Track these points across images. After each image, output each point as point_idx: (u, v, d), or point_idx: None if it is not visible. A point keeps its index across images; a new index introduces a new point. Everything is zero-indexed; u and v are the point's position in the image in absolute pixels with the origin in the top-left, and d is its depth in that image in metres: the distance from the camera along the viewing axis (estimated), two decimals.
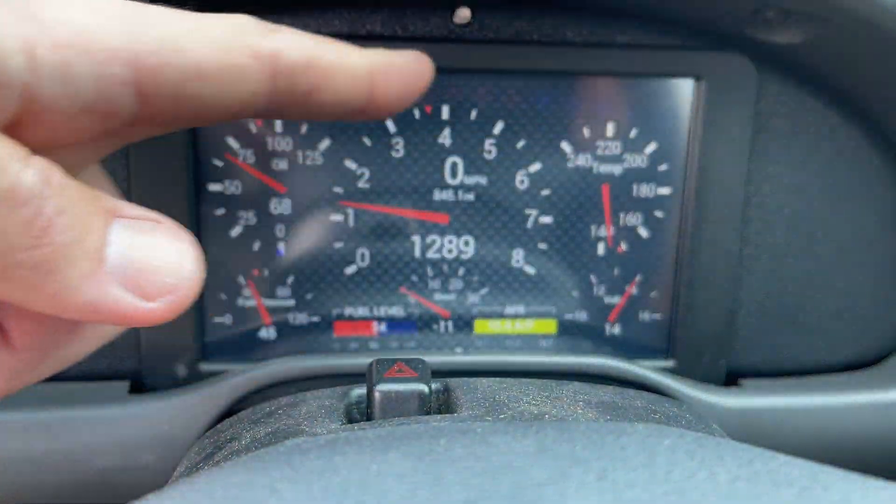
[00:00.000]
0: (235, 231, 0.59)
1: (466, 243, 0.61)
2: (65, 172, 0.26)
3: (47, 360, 0.32)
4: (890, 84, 0.56)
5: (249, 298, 0.60)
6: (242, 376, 0.56)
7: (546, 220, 0.61)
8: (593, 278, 0.62)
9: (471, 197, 0.60)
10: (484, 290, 0.62)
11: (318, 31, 0.56)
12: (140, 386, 0.59)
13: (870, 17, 0.49)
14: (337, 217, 0.59)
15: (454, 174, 0.59)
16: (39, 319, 0.30)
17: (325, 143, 0.58)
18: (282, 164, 0.58)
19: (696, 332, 0.62)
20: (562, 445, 0.30)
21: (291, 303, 0.61)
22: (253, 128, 0.57)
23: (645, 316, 0.63)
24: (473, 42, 0.57)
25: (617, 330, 0.64)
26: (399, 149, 0.58)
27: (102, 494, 0.54)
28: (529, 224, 0.61)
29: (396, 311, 0.62)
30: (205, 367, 0.59)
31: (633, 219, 0.61)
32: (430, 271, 0.61)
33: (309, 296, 0.61)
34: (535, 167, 0.59)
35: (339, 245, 0.60)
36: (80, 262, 0.26)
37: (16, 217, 0.24)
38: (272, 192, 0.58)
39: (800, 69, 0.59)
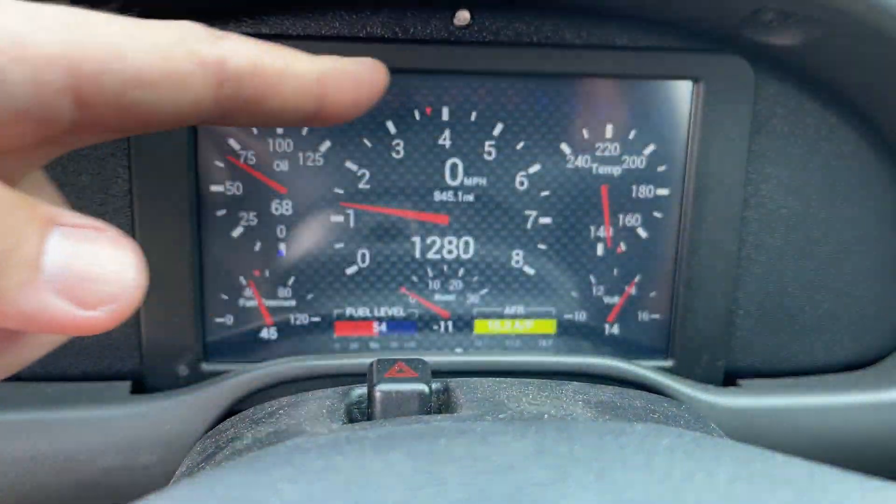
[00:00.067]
0: (236, 232, 0.59)
1: (466, 244, 0.61)
2: None
3: None
4: (888, 85, 0.56)
5: (250, 299, 0.60)
6: (244, 376, 0.56)
7: (545, 220, 0.61)
8: (592, 279, 0.63)
9: (471, 198, 0.60)
10: (484, 291, 0.62)
11: (318, 33, 0.56)
12: (141, 386, 0.60)
13: (867, 18, 0.49)
14: (337, 218, 0.59)
15: (454, 175, 0.59)
16: None
17: (325, 145, 0.58)
18: (282, 166, 0.58)
19: (694, 332, 0.63)
20: (561, 445, 0.30)
21: (292, 303, 0.61)
22: (254, 129, 0.57)
23: (644, 316, 0.64)
24: (473, 44, 0.57)
25: (616, 330, 0.64)
26: (399, 150, 0.58)
27: (104, 495, 0.54)
28: (529, 225, 0.61)
29: (397, 311, 0.62)
30: (206, 367, 0.60)
31: (632, 219, 0.61)
32: (430, 272, 0.61)
33: (310, 296, 0.61)
34: (535, 168, 0.60)
35: (339, 246, 0.60)
36: (16, 271, 0.25)
37: None
38: (273, 193, 0.58)
39: (797, 71, 0.59)
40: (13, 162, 0.29)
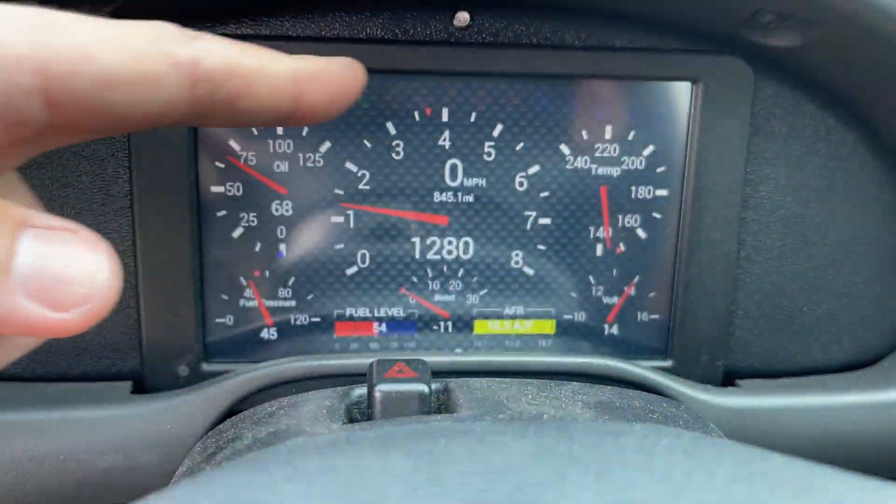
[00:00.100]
0: (237, 232, 0.59)
1: (466, 244, 0.61)
2: None
3: None
4: (885, 86, 0.57)
5: (251, 299, 0.60)
6: (244, 376, 0.56)
7: (545, 221, 0.61)
8: (592, 279, 0.63)
9: (470, 198, 0.60)
10: (483, 291, 0.62)
11: (318, 34, 0.56)
12: (142, 386, 0.60)
13: (865, 19, 0.50)
14: (337, 218, 0.60)
15: (454, 176, 0.59)
16: None
17: (325, 146, 0.58)
18: (283, 166, 0.58)
19: (693, 332, 0.63)
20: (560, 445, 0.30)
21: (292, 303, 0.61)
22: (254, 130, 0.57)
23: (643, 316, 0.64)
24: (473, 45, 0.57)
25: (615, 330, 0.64)
26: (399, 151, 0.59)
27: (105, 494, 0.54)
28: (528, 225, 0.61)
29: (397, 311, 0.62)
30: (206, 367, 0.60)
31: (631, 220, 0.61)
32: (429, 272, 0.62)
33: (310, 296, 0.61)
34: (534, 169, 0.60)
35: (339, 246, 0.60)
36: None
37: None
38: (273, 194, 0.58)
39: (796, 72, 0.59)
40: None
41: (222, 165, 0.58)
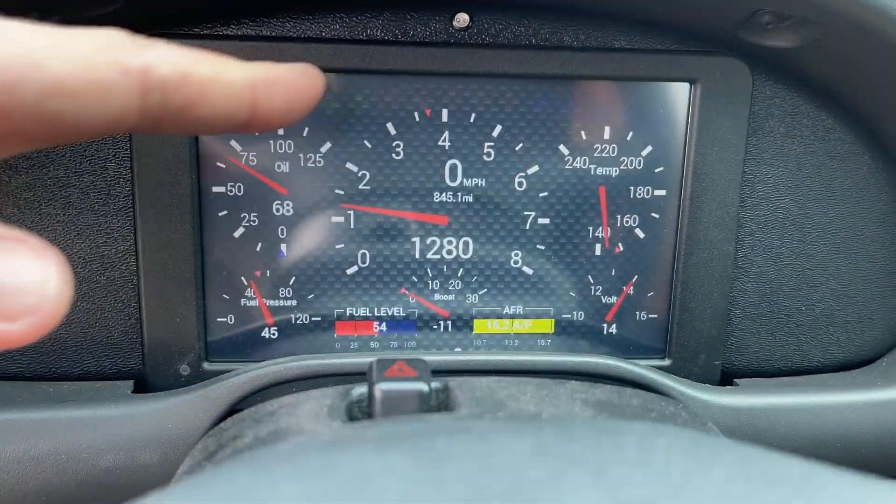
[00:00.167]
0: (238, 232, 0.59)
1: (466, 244, 0.61)
2: None
3: None
4: (883, 86, 0.57)
5: (252, 298, 0.61)
6: (245, 375, 0.57)
7: (544, 221, 0.61)
8: (591, 279, 0.63)
9: (470, 199, 0.60)
10: (483, 291, 0.63)
11: (319, 35, 0.57)
12: (143, 385, 0.60)
13: (863, 20, 0.50)
14: (338, 218, 0.60)
15: (453, 176, 0.60)
16: None
17: (326, 146, 0.58)
18: (283, 167, 0.58)
19: (691, 331, 0.63)
20: (559, 444, 0.30)
21: (293, 303, 0.61)
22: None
23: (642, 316, 0.64)
24: (472, 46, 0.57)
25: (614, 329, 0.64)
26: (399, 151, 0.59)
27: (106, 493, 0.54)
28: (528, 225, 0.61)
29: (397, 311, 0.62)
30: (208, 366, 0.60)
31: (629, 220, 0.62)
32: (429, 272, 0.62)
33: (310, 296, 0.61)
34: (533, 169, 0.60)
35: (340, 246, 0.60)
36: None
37: None
38: (274, 194, 0.59)
39: (794, 72, 0.59)
40: None
41: (223, 166, 0.58)
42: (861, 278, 0.65)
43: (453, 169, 0.60)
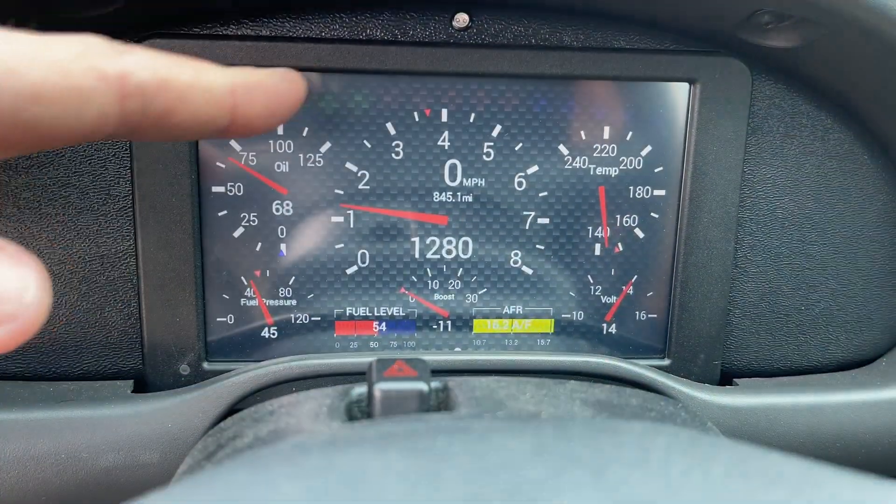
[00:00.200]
0: (238, 232, 0.59)
1: (465, 244, 0.61)
2: None
3: None
4: (882, 86, 0.57)
5: (251, 298, 0.61)
6: (245, 375, 0.57)
7: (543, 221, 0.61)
8: (590, 278, 0.63)
9: (469, 198, 0.60)
10: (482, 291, 0.63)
11: (319, 35, 0.57)
12: (143, 385, 0.60)
13: (862, 20, 0.50)
14: (338, 218, 0.60)
15: (453, 176, 0.60)
16: None
17: (326, 146, 0.58)
18: (283, 167, 0.58)
19: (691, 331, 0.63)
20: (558, 443, 0.30)
21: (293, 302, 0.61)
22: None
23: (641, 315, 0.64)
24: (472, 46, 0.57)
25: (613, 329, 0.64)
26: (399, 151, 0.59)
27: (106, 493, 0.54)
28: (527, 225, 0.61)
29: (396, 310, 0.62)
30: (207, 366, 0.60)
31: (629, 220, 0.62)
32: (429, 272, 0.62)
33: (310, 296, 0.61)
34: (533, 169, 0.60)
35: (339, 246, 0.60)
36: None
37: None
38: (274, 194, 0.59)
39: (793, 72, 0.60)
40: None
41: (223, 165, 0.58)
42: (860, 278, 0.65)
43: (453, 169, 0.60)
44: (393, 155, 0.59)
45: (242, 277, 0.60)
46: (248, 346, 0.62)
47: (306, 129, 0.58)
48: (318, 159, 0.58)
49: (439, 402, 0.48)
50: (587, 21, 0.58)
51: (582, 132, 0.60)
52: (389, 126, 0.58)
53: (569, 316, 0.64)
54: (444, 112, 0.58)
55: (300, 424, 0.45)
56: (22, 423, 0.53)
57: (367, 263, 0.61)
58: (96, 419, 0.54)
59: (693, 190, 0.60)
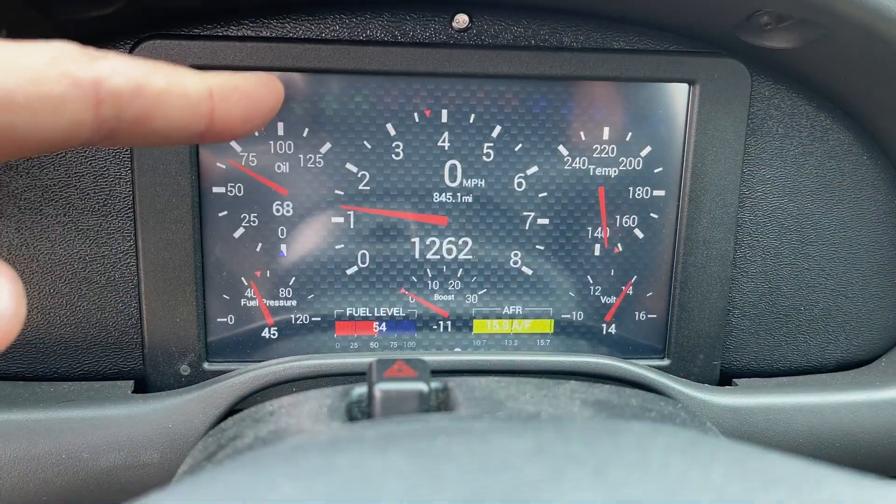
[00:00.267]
0: (238, 232, 0.59)
1: (465, 245, 0.61)
2: None
3: None
4: (881, 87, 0.57)
5: (252, 299, 0.61)
6: (245, 375, 0.57)
7: (543, 221, 0.61)
8: (590, 279, 0.63)
9: (469, 199, 0.60)
10: (482, 291, 0.63)
11: (319, 36, 0.57)
12: (144, 385, 0.60)
13: (861, 21, 0.50)
14: (338, 219, 0.60)
15: (453, 177, 0.60)
16: None
17: (326, 147, 0.58)
18: (283, 167, 0.58)
19: (690, 331, 0.63)
20: (558, 444, 0.30)
21: (293, 303, 0.61)
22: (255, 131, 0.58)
23: (641, 316, 0.64)
24: (472, 47, 0.57)
25: (613, 329, 0.64)
26: (399, 152, 0.59)
27: (107, 493, 0.54)
28: (527, 226, 0.61)
29: (396, 311, 0.63)
30: (208, 366, 0.60)
31: (628, 220, 0.62)
32: (429, 272, 0.62)
33: (310, 296, 0.61)
34: (533, 170, 0.60)
35: (339, 246, 0.60)
36: None
37: None
38: (274, 195, 0.59)
39: (792, 73, 0.60)
40: None
41: (223, 166, 0.58)
42: (859, 278, 0.65)
43: (453, 169, 0.60)
44: (393, 156, 0.59)
45: (243, 278, 0.60)
46: (248, 347, 0.62)
47: (306, 129, 0.58)
48: (318, 160, 0.58)
49: (439, 403, 0.48)
50: (587, 22, 0.58)
51: (581, 133, 0.60)
52: (389, 127, 0.58)
53: (568, 316, 0.64)
54: (444, 113, 0.58)
55: (300, 425, 0.45)
56: (23, 424, 0.53)
57: (367, 264, 0.61)
58: (97, 419, 0.54)
59: (692, 190, 0.60)
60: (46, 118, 0.29)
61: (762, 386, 0.63)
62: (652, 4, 0.55)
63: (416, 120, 0.58)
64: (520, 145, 0.60)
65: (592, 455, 0.29)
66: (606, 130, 0.60)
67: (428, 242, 0.61)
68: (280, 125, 0.57)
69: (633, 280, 0.63)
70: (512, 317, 0.64)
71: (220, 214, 0.59)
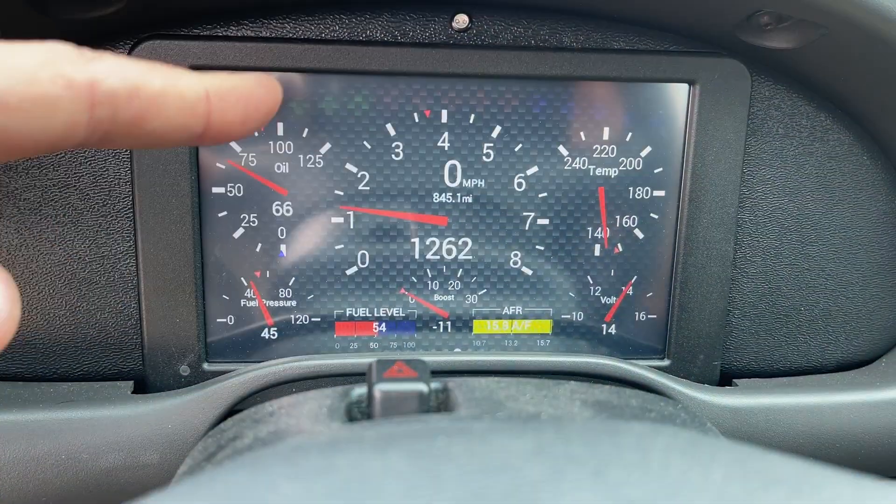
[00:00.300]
0: (238, 233, 0.59)
1: (465, 245, 0.61)
2: None
3: None
4: (881, 87, 0.57)
5: (251, 299, 0.61)
6: (245, 376, 0.57)
7: (543, 221, 0.61)
8: (590, 279, 0.63)
9: (469, 199, 0.60)
10: (482, 291, 0.63)
11: (318, 37, 0.57)
12: (143, 386, 0.60)
13: (861, 21, 0.50)
14: (338, 219, 0.60)
15: (453, 177, 0.60)
16: None
17: (325, 147, 0.58)
18: (283, 168, 0.58)
19: (690, 331, 0.63)
20: (558, 444, 0.30)
21: (293, 303, 0.61)
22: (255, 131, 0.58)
23: (641, 316, 0.64)
24: (471, 47, 0.57)
25: (613, 330, 0.64)
26: (399, 152, 0.59)
27: (106, 494, 0.54)
28: (527, 226, 0.61)
29: (396, 311, 0.63)
30: (207, 367, 0.60)
31: (628, 221, 0.62)
32: (429, 272, 0.62)
33: (310, 297, 0.61)
34: (533, 170, 0.60)
35: (339, 247, 0.60)
36: None
37: None
38: (274, 195, 0.59)
39: (792, 73, 0.60)
40: None
41: (223, 166, 0.58)
42: (859, 278, 0.65)
43: (453, 170, 0.60)
44: (393, 156, 0.59)
45: (242, 278, 0.60)
46: (248, 347, 0.62)
47: (306, 130, 0.58)
48: (318, 160, 0.58)
49: (439, 403, 0.48)
50: (587, 22, 0.58)
51: (581, 133, 0.60)
52: (389, 127, 0.58)
53: (568, 316, 0.64)
54: (444, 113, 0.58)
55: (300, 425, 0.45)
56: (22, 424, 0.53)
57: (366, 264, 0.61)
58: (96, 420, 0.54)
59: (692, 190, 0.60)
60: (40, 120, 0.29)
61: (762, 386, 0.63)
62: (652, 4, 0.55)
63: (416, 120, 0.58)
64: (520, 145, 0.60)
65: (592, 456, 0.29)
66: (606, 131, 0.60)
67: (428, 243, 0.61)
68: (280, 125, 0.57)
69: (633, 280, 0.63)
70: (512, 317, 0.64)
71: (219, 215, 0.59)
